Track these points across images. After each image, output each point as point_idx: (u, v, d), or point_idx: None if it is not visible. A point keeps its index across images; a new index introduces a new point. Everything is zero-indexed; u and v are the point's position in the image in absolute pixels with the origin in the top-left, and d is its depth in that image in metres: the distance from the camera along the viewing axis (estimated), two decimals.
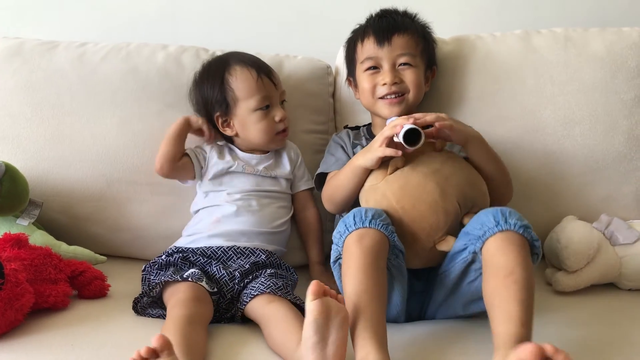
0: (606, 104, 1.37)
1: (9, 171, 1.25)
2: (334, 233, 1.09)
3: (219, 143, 1.37)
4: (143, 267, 1.23)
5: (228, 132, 1.33)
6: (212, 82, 1.31)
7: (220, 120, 1.32)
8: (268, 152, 1.36)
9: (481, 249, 1.03)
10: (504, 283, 0.97)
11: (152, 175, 1.38)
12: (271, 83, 1.30)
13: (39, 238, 1.27)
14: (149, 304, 1.15)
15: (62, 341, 1.02)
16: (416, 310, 1.16)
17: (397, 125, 1.10)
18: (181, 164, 1.31)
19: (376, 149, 1.12)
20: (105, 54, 1.44)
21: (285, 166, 1.36)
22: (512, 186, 1.25)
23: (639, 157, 1.36)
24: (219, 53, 1.46)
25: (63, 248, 1.29)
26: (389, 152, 1.11)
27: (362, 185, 1.17)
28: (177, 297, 1.09)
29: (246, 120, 1.30)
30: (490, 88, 1.40)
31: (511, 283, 0.96)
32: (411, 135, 1.08)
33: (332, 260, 1.09)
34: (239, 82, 1.29)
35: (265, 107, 1.30)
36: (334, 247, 1.08)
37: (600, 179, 1.37)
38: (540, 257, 1.05)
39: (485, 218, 1.04)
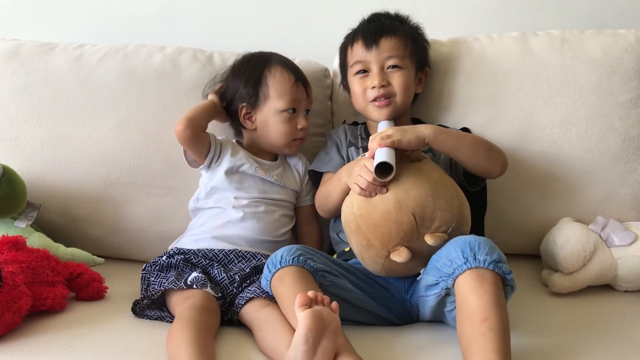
0: (602, 106, 1.37)
1: (6, 173, 1.25)
2: (262, 280, 1.11)
3: (234, 141, 1.37)
4: (143, 267, 1.23)
5: (248, 124, 1.34)
6: (250, 74, 1.33)
7: (243, 111, 1.33)
8: (277, 159, 1.37)
9: (453, 284, 1.01)
10: (479, 329, 0.94)
11: (149, 176, 1.38)
12: (304, 91, 1.33)
13: (36, 240, 1.27)
14: (148, 306, 1.15)
15: (60, 343, 1.02)
16: (404, 313, 1.16)
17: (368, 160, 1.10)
18: (201, 137, 1.29)
19: (352, 184, 1.12)
20: (102, 55, 1.44)
21: (295, 177, 1.37)
22: (502, 155, 1.22)
23: (635, 159, 1.37)
24: (216, 55, 1.46)
25: (61, 250, 1.29)
26: (360, 193, 1.11)
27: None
28: (190, 301, 1.09)
29: (270, 119, 1.31)
30: (486, 90, 1.40)
31: (487, 330, 0.94)
32: (383, 168, 1.08)
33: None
34: (277, 81, 1.31)
35: (292, 111, 1.31)
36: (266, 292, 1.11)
37: (596, 181, 1.37)
38: (514, 290, 1.02)
39: (454, 253, 1.00)
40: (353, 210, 1.12)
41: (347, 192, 1.19)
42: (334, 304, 0.94)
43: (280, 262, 1.07)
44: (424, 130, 1.13)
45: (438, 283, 1.04)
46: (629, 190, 1.37)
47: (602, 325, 1.13)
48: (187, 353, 0.96)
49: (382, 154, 1.08)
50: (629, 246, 1.27)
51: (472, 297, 0.97)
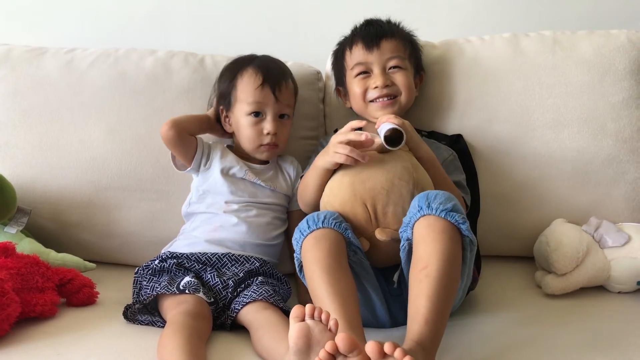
0: (594, 107, 1.37)
1: None
2: (293, 241, 1.09)
3: (225, 145, 1.37)
4: (135, 270, 1.23)
5: (227, 127, 1.34)
6: (228, 76, 1.34)
7: (223, 114, 1.34)
8: (268, 162, 1.36)
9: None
10: (417, 277, 0.96)
11: (140, 181, 1.38)
12: (271, 94, 1.30)
13: (27, 246, 1.27)
14: (139, 310, 1.14)
15: (49, 350, 1.02)
16: (401, 314, 1.14)
17: (362, 134, 1.10)
18: (187, 139, 1.29)
19: (333, 155, 1.11)
20: (93, 59, 1.44)
21: (286, 181, 1.36)
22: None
23: (627, 160, 1.36)
24: (208, 58, 1.46)
25: (52, 255, 1.28)
26: (342, 159, 1.10)
27: (326, 183, 1.16)
28: (183, 307, 1.08)
29: (239, 122, 1.31)
30: (478, 91, 1.40)
31: (424, 277, 0.95)
32: (393, 136, 1.06)
33: (297, 270, 1.09)
34: (244, 83, 1.31)
35: (256, 115, 1.30)
36: (295, 255, 1.09)
37: (589, 182, 1.37)
38: (474, 243, 1.02)
39: (413, 203, 1.03)
40: (323, 197, 1.14)
41: (325, 177, 1.16)
42: (334, 321, 0.90)
43: (322, 221, 1.05)
44: (425, 149, 1.17)
45: (402, 235, 1.04)
46: (622, 192, 1.37)
47: (595, 327, 1.13)
48: (178, 359, 0.95)
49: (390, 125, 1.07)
50: (622, 247, 1.27)
51: (420, 244, 0.99)
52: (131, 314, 1.14)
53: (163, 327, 1.08)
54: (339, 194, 1.09)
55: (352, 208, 1.07)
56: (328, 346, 0.85)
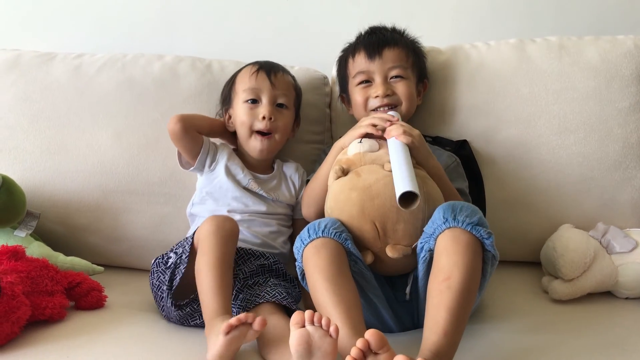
0: (601, 113, 1.37)
1: (5, 183, 1.25)
2: (294, 249, 1.09)
3: (232, 147, 1.37)
4: (153, 260, 1.21)
5: (230, 128, 1.35)
6: (228, 81, 1.37)
7: (226, 116, 1.35)
8: (272, 171, 1.36)
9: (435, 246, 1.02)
10: (438, 288, 0.96)
11: (148, 185, 1.39)
12: (267, 79, 1.30)
13: (36, 249, 1.28)
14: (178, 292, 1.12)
15: (58, 353, 1.02)
16: (408, 319, 1.15)
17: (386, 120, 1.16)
18: (194, 137, 1.28)
19: (360, 127, 1.15)
20: (101, 65, 1.45)
21: (290, 190, 1.35)
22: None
23: (634, 166, 1.36)
24: (215, 63, 1.47)
25: (60, 259, 1.29)
26: (370, 129, 1.15)
27: None
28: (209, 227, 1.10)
29: (237, 113, 1.31)
30: (484, 97, 1.40)
31: (445, 288, 0.96)
32: (407, 197, 1.01)
33: (300, 277, 1.10)
34: (241, 76, 1.33)
35: (253, 102, 1.30)
36: (297, 264, 1.09)
37: (595, 188, 1.37)
38: (496, 258, 1.03)
39: (437, 214, 1.02)
40: (327, 207, 1.13)
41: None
42: (334, 327, 0.90)
43: (323, 231, 1.05)
44: (433, 162, 1.17)
45: (423, 246, 1.04)
46: (628, 197, 1.37)
47: (603, 333, 1.13)
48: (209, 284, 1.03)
49: (404, 175, 1.02)
50: (629, 253, 1.27)
51: (443, 256, 0.99)
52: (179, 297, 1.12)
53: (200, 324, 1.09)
54: (346, 209, 1.08)
55: (360, 225, 1.06)
56: (359, 343, 0.86)
